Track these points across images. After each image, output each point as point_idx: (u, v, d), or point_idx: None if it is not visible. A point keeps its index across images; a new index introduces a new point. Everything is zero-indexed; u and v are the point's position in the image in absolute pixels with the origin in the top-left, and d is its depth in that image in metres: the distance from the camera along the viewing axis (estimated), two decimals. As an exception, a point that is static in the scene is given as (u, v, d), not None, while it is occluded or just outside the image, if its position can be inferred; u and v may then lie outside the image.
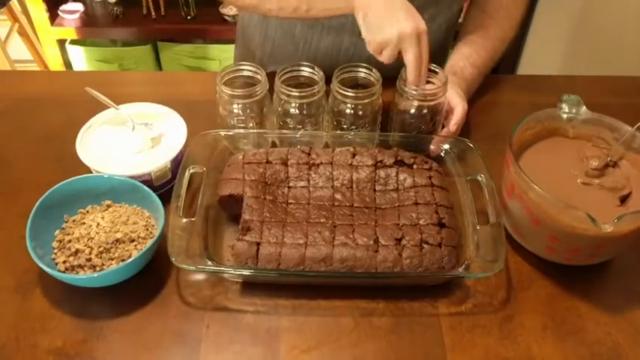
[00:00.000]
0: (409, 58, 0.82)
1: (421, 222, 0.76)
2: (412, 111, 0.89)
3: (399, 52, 0.83)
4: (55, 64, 2.35)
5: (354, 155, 0.84)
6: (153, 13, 2.27)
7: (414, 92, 0.86)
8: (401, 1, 0.82)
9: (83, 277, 0.73)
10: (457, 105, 0.91)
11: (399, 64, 0.85)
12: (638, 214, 0.70)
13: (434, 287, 0.77)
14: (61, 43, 2.32)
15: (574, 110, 0.83)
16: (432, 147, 0.88)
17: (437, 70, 0.88)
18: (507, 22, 1.06)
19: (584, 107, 0.83)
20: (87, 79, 1.13)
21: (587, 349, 0.72)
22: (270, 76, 0.89)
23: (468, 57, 1.02)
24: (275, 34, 1.12)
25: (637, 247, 0.81)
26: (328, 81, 0.88)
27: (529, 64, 2.01)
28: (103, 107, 0.90)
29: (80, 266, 0.74)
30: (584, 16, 1.74)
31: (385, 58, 0.84)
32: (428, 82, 0.88)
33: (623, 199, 0.76)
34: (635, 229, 0.71)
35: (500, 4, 1.06)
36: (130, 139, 0.87)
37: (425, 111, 0.88)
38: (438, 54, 1.08)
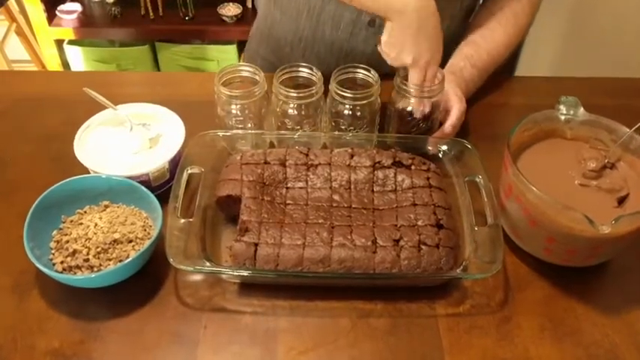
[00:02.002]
0: (411, 80, 0.85)
1: (419, 223, 0.76)
2: (409, 108, 0.89)
3: None
4: (53, 64, 2.35)
5: (352, 156, 0.84)
6: (151, 14, 2.27)
7: (412, 89, 0.86)
8: (432, 27, 0.82)
9: (81, 278, 0.73)
10: (454, 106, 0.92)
11: None
12: (636, 215, 0.70)
13: (431, 288, 0.77)
14: (59, 43, 2.32)
15: (572, 112, 0.83)
16: (429, 148, 0.88)
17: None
18: (514, 29, 1.06)
19: (582, 109, 0.83)
20: (85, 80, 1.13)
21: (584, 351, 0.72)
22: (269, 77, 0.89)
23: (469, 57, 1.02)
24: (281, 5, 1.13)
25: (634, 248, 0.81)
26: (327, 82, 0.88)
27: (527, 66, 2.01)
28: (101, 107, 0.90)
29: (78, 267, 0.74)
30: (581, 18, 1.75)
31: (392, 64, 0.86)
32: None
33: (621, 201, 0.76)
34: (632, 230, 0.71)
35: (509, 10, 1.05)
36: (128, 139, 0.87)
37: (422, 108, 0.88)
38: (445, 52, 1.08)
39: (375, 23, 1.04)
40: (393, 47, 0.84)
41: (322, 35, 1.09)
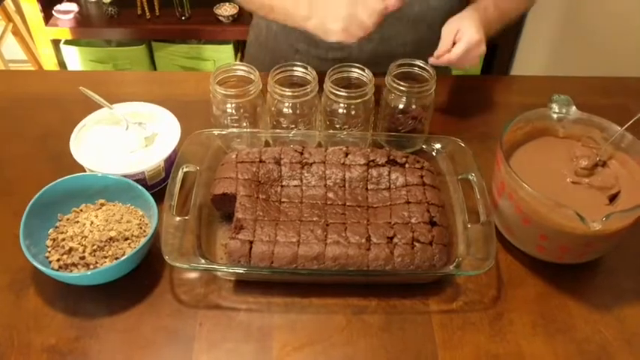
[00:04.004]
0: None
1: (413, 220, 0.77)
2: (400, 106, 0.90)
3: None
4: (49, 64, 2.35)
5: (346, 154, 0.84)
6: (147, 14, 2.27)
7: (403, 88, 0.87)
8: None
9: (77, 275, 0.73)
10: (466, 32, 0.91)
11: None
12: (627, 212, 0.71)
13: (425, 285, 0.78)
14: (56, 43, 2.32)
15: (564, 110, 0.84)
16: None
17: (426, 67, 0.89)
18: None
19: (574, 107, 0.84)
20: (81, 79, 1.13)
21: (576, 347, 0.73)
22: (264, 76, 0.90)
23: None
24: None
25: (625, 245, 0.82)
26: (321, 81, 0.89)
27: (522, 66, 2.03)
28: (97, 107, 0.91)
29: (74, 264, 0.74)
30: (574, 19, 1.76)
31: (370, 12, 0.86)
32: (418, 79, 0.90)
33: (612, 198, 0.77)
34: (623, 227, 0.72)
35: None
36: (124, 138, 0.88)
37: (413, 107, 0.89)
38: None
39: None
40: (334, 21, 0.87)
41: (316, 46, 1.11)
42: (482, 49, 0.94)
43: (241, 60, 1.23)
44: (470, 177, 0.83)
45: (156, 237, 0.77)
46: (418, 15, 1.04)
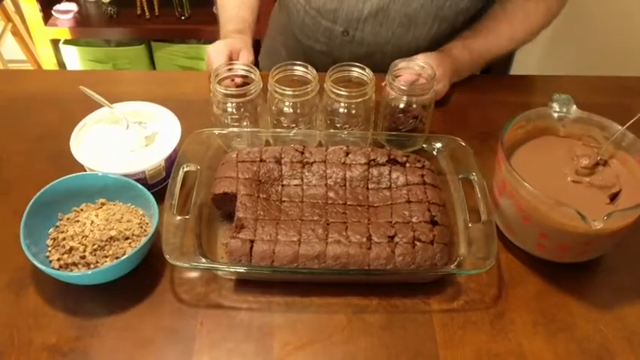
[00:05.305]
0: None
1: (413, 220, 0.77)
2: (401, 105, 0.90)
3: None
4: (49, 64, 2.35)
5: (347, 154, 0.84)
6: (147, 13, 2.27)
7: (403, 87, 0.87)
8: None
9: (77, 275, 0.73)
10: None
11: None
12: (627, 211, 0.70)
13: (426, 284, 0.78)
14: (55, 43, 2.32)
15: (565, 109, 0.84)
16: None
17: (425, 66, 0.89)
18: (522, 25, 1.06)
19: (575, 106, 0.84)
20: (81, 78, 1.13)
21: (577, 346, 0.73)
22: (264, 75, 0.89)
23: (464, 39, 1.04)
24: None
25: (626, 244, 0.82)
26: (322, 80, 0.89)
27: (521, 65, 2.03)
28: (97, 106, 0.91)
29: (74, 264, 0.74)
30: (574, 17, 1.76)
31: None
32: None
33: (613, 197, 0.77)
34: (623, 226, 0.72)
35: (521, 6, 1.05)
36: (124, 137, 0.88)
37: (414, 106, 0.89)
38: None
39: (349, 33, 1.06)
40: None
41: (306, 42, 1.14)
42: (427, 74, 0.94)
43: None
44: (471, 176, 0.83)
45: (156, 236, 0.77)
46: (401, 23, 1.05)
